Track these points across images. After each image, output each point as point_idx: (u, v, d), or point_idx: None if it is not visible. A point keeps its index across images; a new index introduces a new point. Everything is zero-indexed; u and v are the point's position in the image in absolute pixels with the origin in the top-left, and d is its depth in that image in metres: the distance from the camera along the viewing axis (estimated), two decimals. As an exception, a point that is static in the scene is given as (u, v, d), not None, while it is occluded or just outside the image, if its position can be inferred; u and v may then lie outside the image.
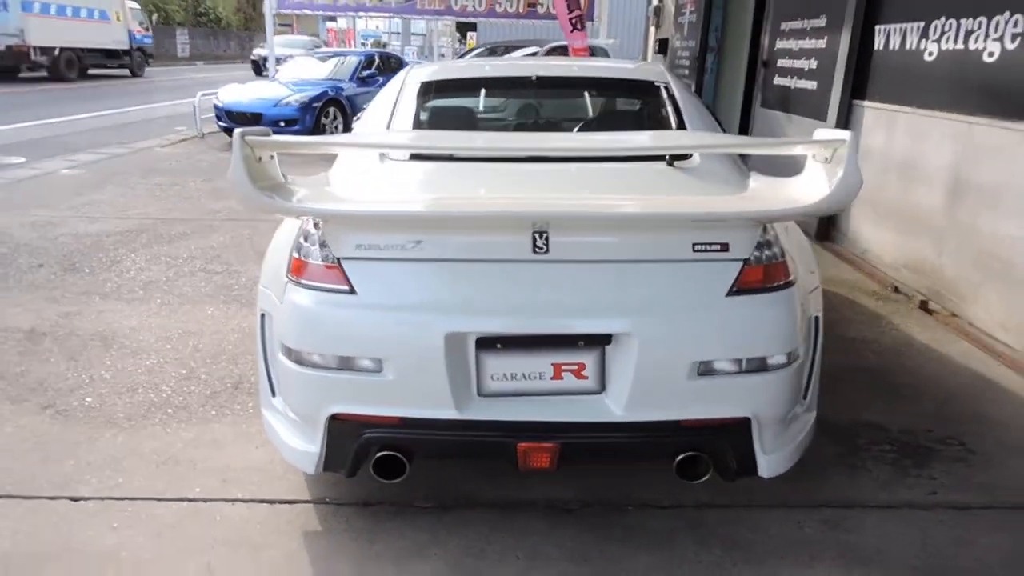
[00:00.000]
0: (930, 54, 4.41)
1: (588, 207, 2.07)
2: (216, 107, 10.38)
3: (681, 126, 2.85)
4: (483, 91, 3.30)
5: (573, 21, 8.76)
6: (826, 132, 2.03)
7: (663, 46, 11.25)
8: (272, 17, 13.39)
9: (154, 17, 29.17)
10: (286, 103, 10.10)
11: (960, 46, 4.12)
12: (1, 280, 4.52)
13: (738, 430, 2.12)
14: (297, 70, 11.84)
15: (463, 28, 28.09)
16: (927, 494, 2.51)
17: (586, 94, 3.44)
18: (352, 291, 2.04)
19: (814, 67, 5.86)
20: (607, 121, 3.21)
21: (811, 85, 5.91)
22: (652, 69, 3.38)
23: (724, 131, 3.11)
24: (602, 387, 2.08)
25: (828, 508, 2.43)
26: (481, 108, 3.23)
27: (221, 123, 10.29)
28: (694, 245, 2.04)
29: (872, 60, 5.10)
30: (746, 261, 2.07)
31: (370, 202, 2.18)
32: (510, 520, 2.36)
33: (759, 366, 2.10)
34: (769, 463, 2.19)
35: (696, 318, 2.04)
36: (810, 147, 2.07)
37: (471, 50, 14.09)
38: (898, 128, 4.77)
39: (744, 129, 7.62)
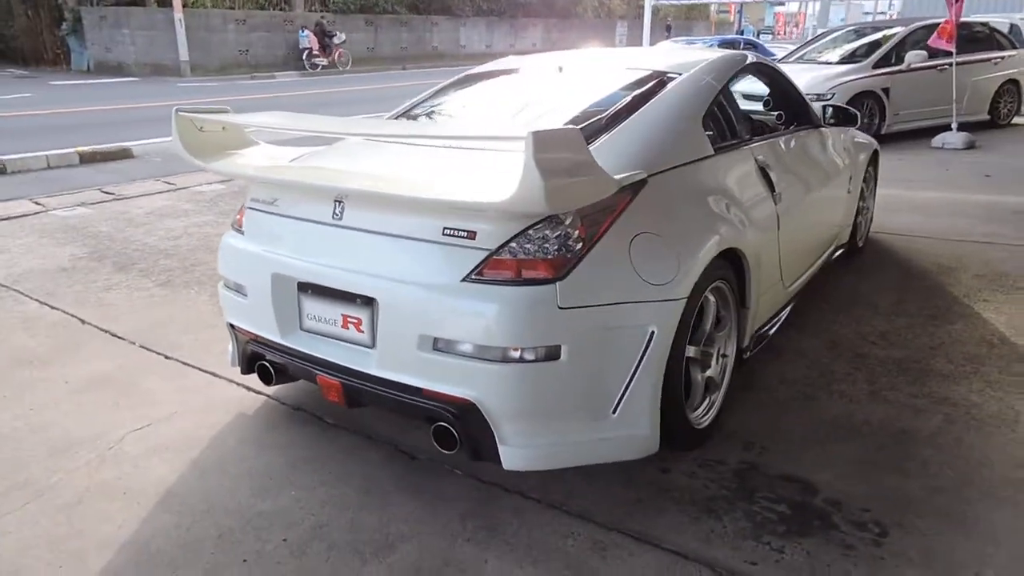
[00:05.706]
0: None
1: (363, 184, 2.33)
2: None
3: (612, 125, 2.63)
4: (498, 83, 3.46)
5: None
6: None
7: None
8: (651, 7, 14.02)
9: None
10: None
11: None
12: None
13: (472, 412, 2.18)
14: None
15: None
16: (744, 562, 2.10)
17: (579, 86, 3.22)
18: (242, 232, 2.71)
19: None
20: (582, 112, 2.99)
21: None
22: (680, 61, 3.10)
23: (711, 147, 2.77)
24: (374, 343, 2.35)
25: (621, 535, 2.24)
26: (482, 98, 3.43)
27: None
28: (444, 229, 2.18)
29: None
30: (493, 252, 2.11)
31: (244, 166, 2.73)
32: (364, 452, 2.73)
33: (494, 355, 2.13)
34: (509, 456, 2.21)
35: (428, 296, 2.19)
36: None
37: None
38: None
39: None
